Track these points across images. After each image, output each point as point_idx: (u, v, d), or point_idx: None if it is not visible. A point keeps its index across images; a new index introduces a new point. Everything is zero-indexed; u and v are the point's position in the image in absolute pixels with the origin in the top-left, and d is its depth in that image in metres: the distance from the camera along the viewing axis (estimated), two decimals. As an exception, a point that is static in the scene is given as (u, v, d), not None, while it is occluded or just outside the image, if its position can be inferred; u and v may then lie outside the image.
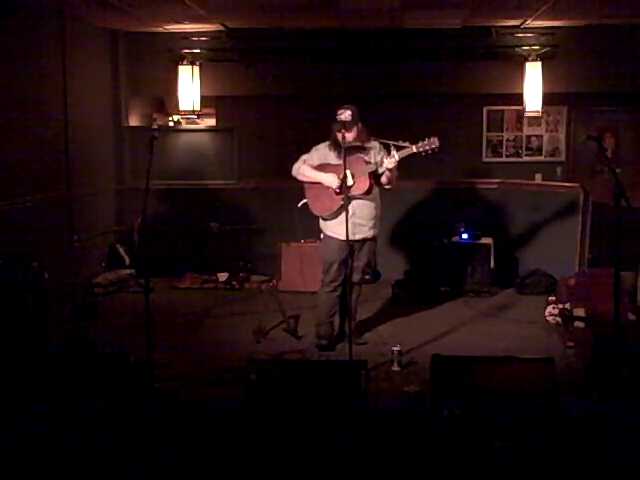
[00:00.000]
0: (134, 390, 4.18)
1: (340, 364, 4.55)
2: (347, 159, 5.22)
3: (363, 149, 5.47)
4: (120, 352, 4.65)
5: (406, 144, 5.32)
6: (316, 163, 5.57)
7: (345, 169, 5.15)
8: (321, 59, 8.11)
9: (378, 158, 5.45)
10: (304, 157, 5.63)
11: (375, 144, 5.52)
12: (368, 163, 5.41)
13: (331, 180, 5.45)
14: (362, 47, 8.05)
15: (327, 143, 5.57)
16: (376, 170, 5.43)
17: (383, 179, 5.48)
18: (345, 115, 5.41)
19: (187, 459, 3.63)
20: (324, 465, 3.52)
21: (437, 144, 5.29)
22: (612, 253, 4.18)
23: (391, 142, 5.36)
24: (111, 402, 3.97)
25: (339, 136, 5.31)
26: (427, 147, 5.29)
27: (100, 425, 3.81)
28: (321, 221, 5.65)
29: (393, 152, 5.33)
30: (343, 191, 5.25)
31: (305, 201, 5.64)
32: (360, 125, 5.45)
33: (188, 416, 4.23)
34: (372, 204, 5.51)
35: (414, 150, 5.30)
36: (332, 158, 5.52)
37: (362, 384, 3.86)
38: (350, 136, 5.36)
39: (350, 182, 5.35)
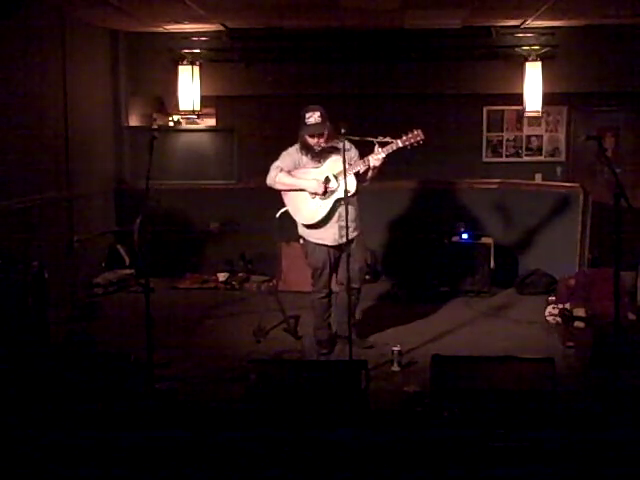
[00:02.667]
0: (134, 390, 4.18)
1: (340, 364, 4.55)
2: (326, 163, 5.18)
3: (335, 150, 5.19)
4: (120, 352, 4.65)
5: (388, 139, 5.06)
6: (291, 169, 5.28)
7: (348, 170, 4.91)
8: (321, 59, 8.12)
9: (352, 154, 5.16)
10: (277, 164, 5.30)
11: (343, 142, 5.00)
12: (350, 164, 5.07)
13: (315, 186, 5.20)
14: (362, 47, 8.05)
15: (297, 147, 5.28)
16: (358, 170, 5.15)
17: (367, 177, 5.22)
18: (315, 117, 5.11)
19: (187, 459, 3.63)
20: (324, 465, 3.52)
21: (422, 136, 5.03)
22: (612, 253, 4.18)
23: (374, 139, 5.09)
24: (111, 402, 3.97)
25: (312, 141, 5.13)
26: (412, 140, 5.04)
27: (100, 425, 3.81)
28: (301, 228, 5.40)
29: (378, 149, 5.07)
30: (328, 195, 5.17)
31: (286, 209, 5.40)
32: (329, 125, 5.13)
33: (188, 416, 4.23)
34: (353, 205, 5.23)
35: (400, 144, 5.04)
36: (306, 162, 5.27)
37: (362, 384, 3.87)
38: (323, 140, 5.15)
39: (335, 185, 5.18)
